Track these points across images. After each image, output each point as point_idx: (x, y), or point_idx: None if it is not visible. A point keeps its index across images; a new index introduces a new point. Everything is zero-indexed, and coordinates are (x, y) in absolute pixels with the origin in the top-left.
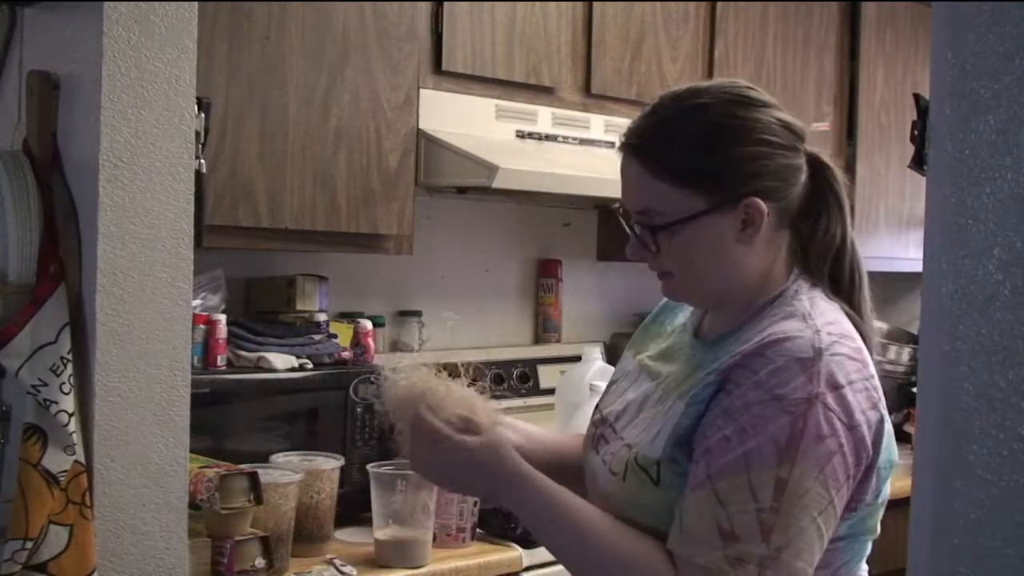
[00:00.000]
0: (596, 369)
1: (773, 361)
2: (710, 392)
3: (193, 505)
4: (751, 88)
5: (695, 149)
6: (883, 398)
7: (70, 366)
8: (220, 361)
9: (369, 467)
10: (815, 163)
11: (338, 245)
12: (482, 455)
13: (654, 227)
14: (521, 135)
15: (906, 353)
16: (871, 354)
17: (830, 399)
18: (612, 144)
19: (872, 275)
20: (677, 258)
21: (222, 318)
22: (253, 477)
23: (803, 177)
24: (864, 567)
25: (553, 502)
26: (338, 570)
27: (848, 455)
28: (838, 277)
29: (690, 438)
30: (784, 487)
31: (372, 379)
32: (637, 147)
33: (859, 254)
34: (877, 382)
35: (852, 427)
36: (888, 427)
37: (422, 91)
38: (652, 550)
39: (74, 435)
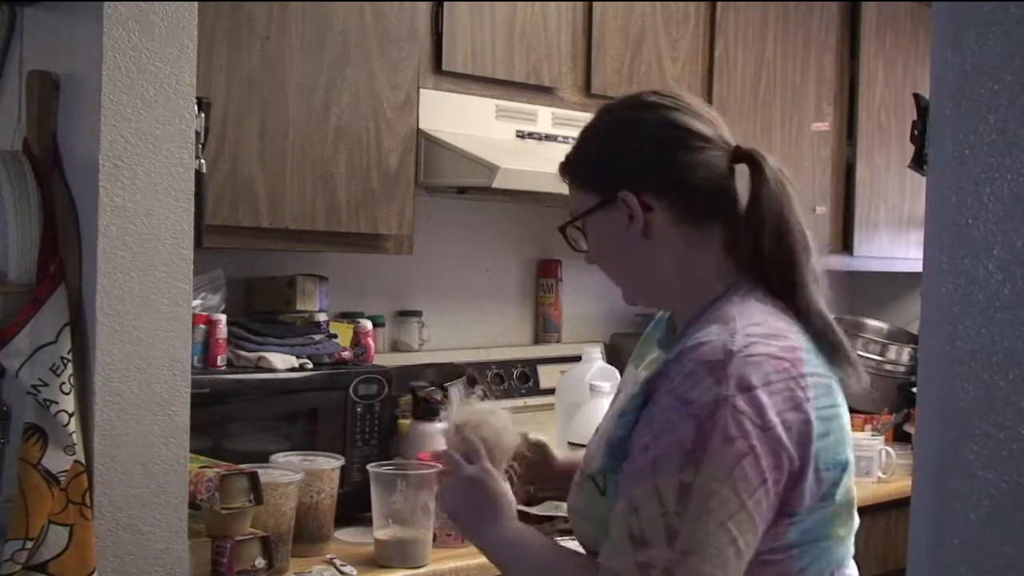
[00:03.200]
0: (596, 369)
1: (685, 366)
2: (639, 402)
3: (193, 505)
4: (657, 93)
5: (583, 150)
6: (817, 397)
7: (70, 366)
8: (220, 361)
9: (369, 467)
10: (747, 161)
11: (338, 245)
12: (489, 488)
13: (564, 225)
14: (521, 135)
15: (906, 353)
16: (837, 348)
17: (740, 401)
18: None
19: (872, 275)
20: (595, 256)
21: (222, 318)
22: (253, 477)
23: (703, 172)
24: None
25: (516, 541)
26: (338, 570)
27: (763, 457)
28: (772, 275)
29: (625, 447)
30: (689, 491)
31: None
32: (563, 160)
33: (795, 250)
34: (810, 381)
35: (766, 429)
36: (823, 427)
37: (422, 91)
38: (584, 564)
39: (74, 435)
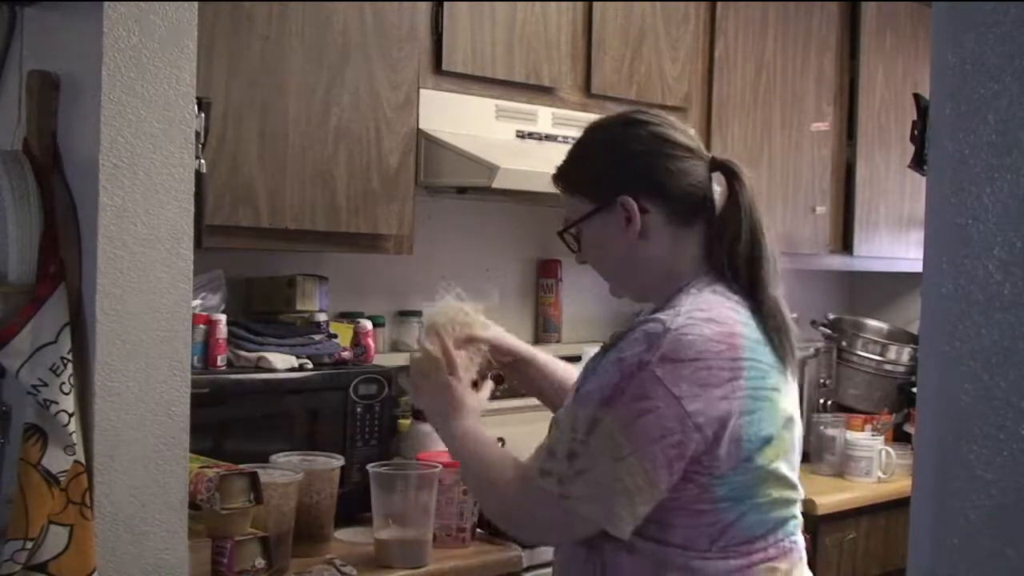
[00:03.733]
0: None
1: (634, 333)
2: (600, 359)
3: (193, 505)
4: (643, 112)
5: (578, 162)
6: (750, 379)
7: (70, 366)
8: (220, 361)
9: (369, 467)
10: (723, 170)
11: (338, 245)
12: (453, 393)
13: (563, 230)
14: (521, 135)
15: (906, 353)
16: (783, 341)
17: (659, 369)
18: None
19: (872, 275)
20: (590, 255)
21: (222, 318)
22: (253, 477)
23: (690, 179)
24: (787, 539)
25: (471, 435)
26: (338, 570)
27: (665, 419)
28: (737, 271)
29: None
30: (595, 427)
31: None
32: (554, 173)
33: (763, 250)
34: (745, 364)
35: (677, 397)
36: (751, 405)
37: (422, 91)
38: (512, 461)
39: (74, 435)
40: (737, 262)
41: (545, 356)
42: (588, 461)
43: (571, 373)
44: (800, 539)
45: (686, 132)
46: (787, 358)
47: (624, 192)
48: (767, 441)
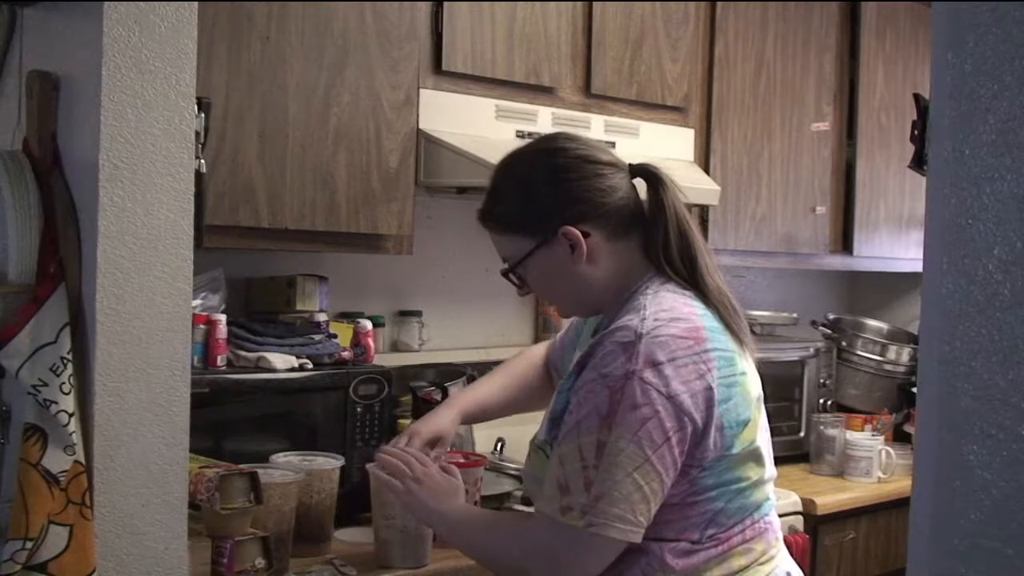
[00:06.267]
0: None
1: (605, 347)
2: (571, 380)
3: (193, 505)
4: (556, 138)
5: (507, 200)
6: (720, 368)
7: (70, 366)
8: (220, 361)
9: (369, 467)
10: (644, 175)
11: (338, 245)
12: (441, 484)
13: (507, 270)
14: (521, 135)
15: (906, 353)
16: (734, 324)
17: (647, 374)
18: (613, 144)
19: (872, 275)
20: (538, 289)
21: (222, 318)
22: (253, 477)
23: (620, 192)
24: (761, 520)
25: (463, 516)
26: (338, 570)
27: (665, 420)
28: (678, 268)
29: (563, 418)
30: (603, 448)
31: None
32: (480, 215)
33: (695, 244)
34: (712, 355)
35: (670, 396)
36: (725, 393)
37: (422, 91)
38: (515, 516)
39: (74, 435)
40: (674, 258)
41: (496, 392)
42: (605, 483)
43: (527, 374)
44: (775, 519)
45: (602, 147)
46: (744, 341)
47: (563, 222)
48: (745, 424)
